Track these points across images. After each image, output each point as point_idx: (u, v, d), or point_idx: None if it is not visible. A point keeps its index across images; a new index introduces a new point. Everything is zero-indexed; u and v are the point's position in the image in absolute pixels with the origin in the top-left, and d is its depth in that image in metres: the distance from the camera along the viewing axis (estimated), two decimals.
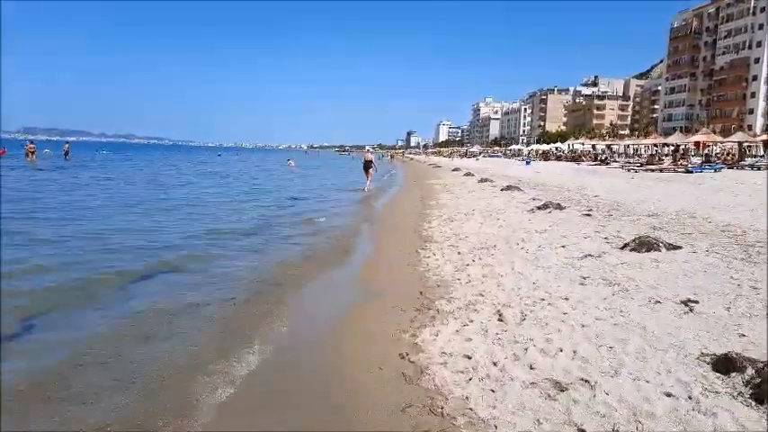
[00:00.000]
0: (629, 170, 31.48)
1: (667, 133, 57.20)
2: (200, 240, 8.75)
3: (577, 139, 58.97)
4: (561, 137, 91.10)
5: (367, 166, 20.97)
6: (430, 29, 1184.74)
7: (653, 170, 30.17)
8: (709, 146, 36.94)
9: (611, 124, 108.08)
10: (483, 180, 22.13)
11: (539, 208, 11.37)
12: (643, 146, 50.08)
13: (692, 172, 27.65)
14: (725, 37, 77.69)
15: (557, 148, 60.29)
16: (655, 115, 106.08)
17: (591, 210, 11.13)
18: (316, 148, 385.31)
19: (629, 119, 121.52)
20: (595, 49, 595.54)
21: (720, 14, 79.03)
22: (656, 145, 40.53)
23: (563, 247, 7.20)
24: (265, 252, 8.02)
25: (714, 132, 35.24)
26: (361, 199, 18.09)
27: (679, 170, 28.69)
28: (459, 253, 7.26)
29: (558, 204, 11.52)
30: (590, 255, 6.52)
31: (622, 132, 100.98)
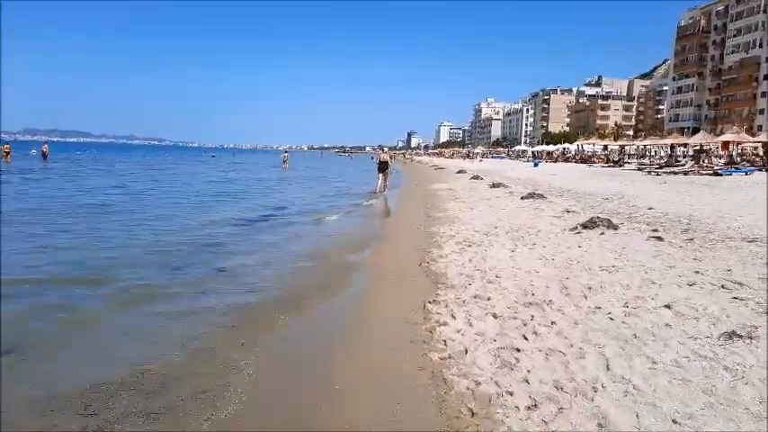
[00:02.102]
0: (649, 173, 28.98)
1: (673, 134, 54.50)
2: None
3: (587, 139, 56.12)
4: (564, 137, 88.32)
5: (382, 167, 18.82)
6: (430, 29, 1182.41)
7: (676, 173, 27.68)
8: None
9: (615, 125, 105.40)
10: (495, 185, 19.27)
11: (583, 226, 8.53)
12: (655, 146, 47.40)
13: (720, 174, 25.22)
14: (734, 35, 75.28)
15: (565, 149, 57.37)
16: (659, 116, 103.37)
17: (656, 229, 8.29)
18: (316, 148, 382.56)
19: (633, 119, 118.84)
20: (596, 50, 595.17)
21: (729, 12, 76.67)
22: (672, 146, 37.81)
23: (667, 307, 4.38)
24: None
25: (739, 130, 32.50)
26: (364, 207, 15.29)
27: (704, 173, 26.17)
28: (494, 316, 4.44)
29: (609, 221, 8.68)
30: (734, 333, 3.70)
31: (627, 133, 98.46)
